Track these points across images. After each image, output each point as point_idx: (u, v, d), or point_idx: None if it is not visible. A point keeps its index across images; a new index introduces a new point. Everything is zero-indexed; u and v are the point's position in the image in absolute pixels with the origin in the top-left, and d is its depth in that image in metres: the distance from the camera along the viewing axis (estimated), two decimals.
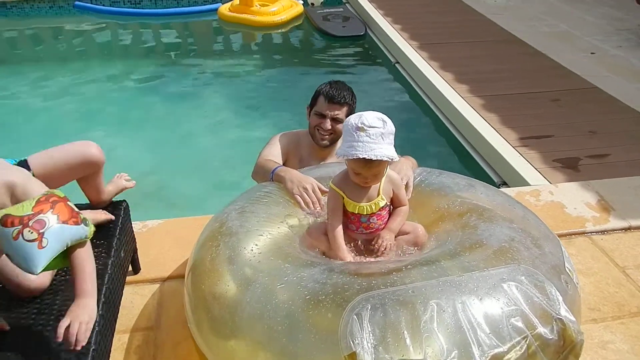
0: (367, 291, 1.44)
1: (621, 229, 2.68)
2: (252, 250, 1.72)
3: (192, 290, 1.78)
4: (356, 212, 1.76)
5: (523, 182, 3.08)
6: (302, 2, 7.33)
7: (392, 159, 1.64)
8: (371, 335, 1.33)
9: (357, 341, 1.31)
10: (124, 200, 2.17)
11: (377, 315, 1.37)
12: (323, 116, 2.43)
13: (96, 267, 1.65)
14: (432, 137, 4.17)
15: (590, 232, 2.65)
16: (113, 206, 2.13)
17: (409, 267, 1.56)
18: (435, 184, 2.08)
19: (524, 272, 1.53)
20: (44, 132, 4.34)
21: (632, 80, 4.47)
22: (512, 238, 1.72)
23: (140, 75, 5.65)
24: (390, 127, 1.66)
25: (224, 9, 7.01)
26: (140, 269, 2.35)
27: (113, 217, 2.04)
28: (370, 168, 1.65)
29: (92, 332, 1.52)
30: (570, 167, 3.20)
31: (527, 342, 1.38)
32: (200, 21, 7.32)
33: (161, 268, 2.38)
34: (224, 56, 6.31)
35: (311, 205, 1.98)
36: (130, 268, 2.31)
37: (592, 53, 5.17)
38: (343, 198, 1.76)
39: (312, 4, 7.34)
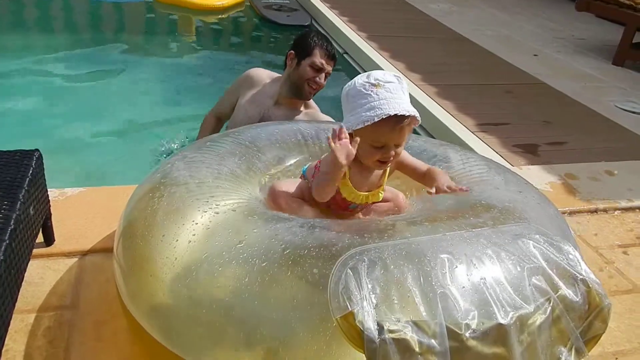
0: (361, 245, 1.14)
1: (588, 211, 2.57)
2: (207, 201, 1.37)
3: (125, 254, 1.40)
4: (349, 200, 1.45)
5: None
6: None
7: (419, 119, 1.32)
8: (371, 292, 1.03)
9: (353, 300, 1.00)
10: (37, 150, 1.74)
11: (376, 271, 1.07)
12: (320, 70, 2.38)
13: None
14: None
15: None
16: (22, 155, 1.69)
17: (406, 223, 1.29)
18: (414, 147, 1.84)
19: (537, 230, 1.29)
20: None
21: (576, 80, 4.53)
22: (514, 199, 1.50)
23: (62, 50, 5.04)
24: (405, 83, 1.34)
25: None
26: (54, 241, 1.91)
27: None
28: (401, 132, 1.30)
29: None
30: (530, 152, 3.09)
31: (551, 304, 1.14)
32: (131, 2, 6.76)
33: (81, 240, 1.95)
34: (156, 38, 5.80)
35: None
36: (42, 239, 1.88)
37: (534, 55, 5.23)
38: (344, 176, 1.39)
39: None
